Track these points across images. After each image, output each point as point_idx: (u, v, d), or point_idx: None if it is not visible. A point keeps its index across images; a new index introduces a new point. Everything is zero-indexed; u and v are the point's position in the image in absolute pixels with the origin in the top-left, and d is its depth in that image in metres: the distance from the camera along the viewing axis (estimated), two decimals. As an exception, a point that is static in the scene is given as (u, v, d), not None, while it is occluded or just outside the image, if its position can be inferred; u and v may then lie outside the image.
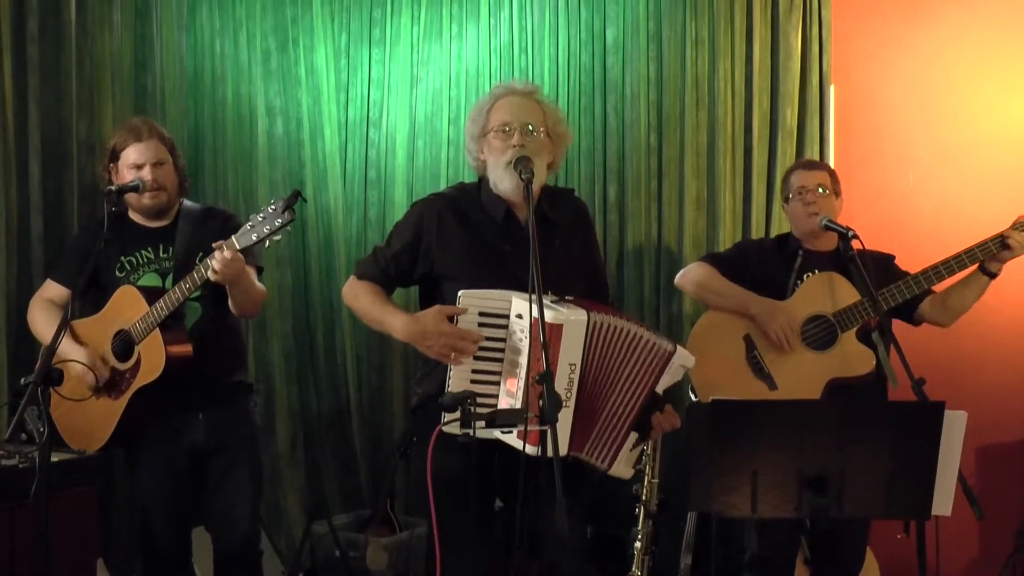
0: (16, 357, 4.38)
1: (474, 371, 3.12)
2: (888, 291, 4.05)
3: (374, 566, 5.26)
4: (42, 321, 4.00)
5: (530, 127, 3.31)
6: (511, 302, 3.08)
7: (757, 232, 5.29)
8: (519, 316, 3.05)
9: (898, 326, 4.06)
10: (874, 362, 4.06)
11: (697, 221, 5.44)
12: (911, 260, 4.29)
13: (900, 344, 3.70)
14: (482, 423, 2.79)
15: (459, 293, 3.15)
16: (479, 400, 2.98)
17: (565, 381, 3.01)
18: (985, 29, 5.14)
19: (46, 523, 3.20)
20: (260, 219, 3.55)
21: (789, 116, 5.30)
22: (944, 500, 3.21)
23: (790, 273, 4.25)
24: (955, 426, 3.17)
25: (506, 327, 3.09)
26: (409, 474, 5.78)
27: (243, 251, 3.63)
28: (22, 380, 3.27)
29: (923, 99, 5.25)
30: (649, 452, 4.32)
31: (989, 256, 4.02)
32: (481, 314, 3.12)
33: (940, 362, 4.73)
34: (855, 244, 3.97)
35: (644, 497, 4.28)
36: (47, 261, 4.50)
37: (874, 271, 4.01)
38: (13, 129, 4.45)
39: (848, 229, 3.96)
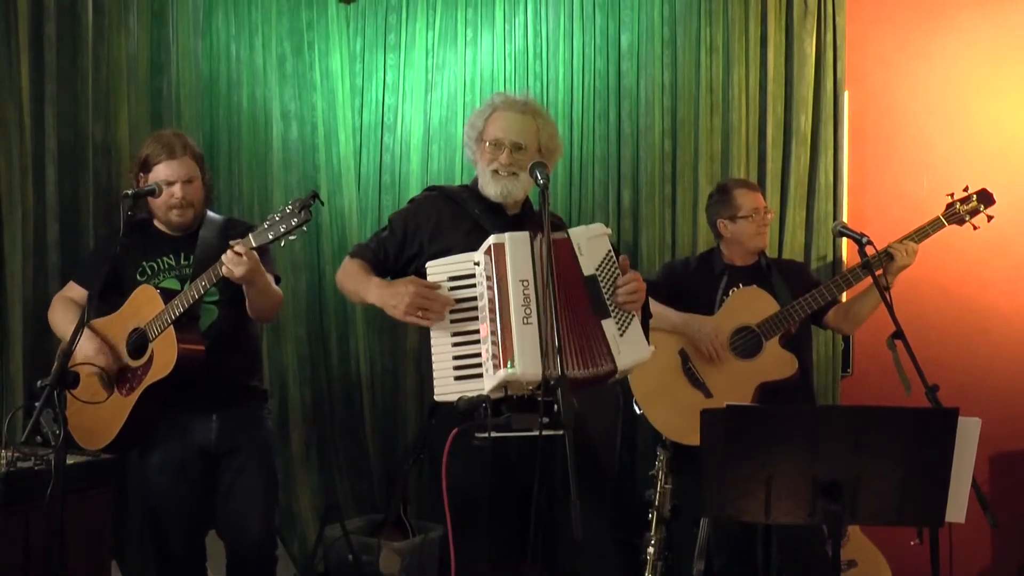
0: (33, 360, 4.40)
1: (454, 334, 3.19)
2: (800, 303, 4.40)
3: (387, 570, 5.26)
4: (62, 319, 4.03)
5: (519, 145, 3.53)
6: (472, 259, 3.20)
7: (771, 238, 5.28)
8: (477, 263, 3.18)
9: (913, 333, 4.05)
10: (797, 365, 4.39)
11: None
12: (924, 265, 4.30)
13: (914, 351, 3.70)
14: (501, 423, 2.82)
15: (426, 265, 3.29)
16: (465, 361, 3.12)
17: (521, 298, 3.08)
18: (999, 35, 5.13)
19: (61, 525, 3.22)
20: (277, 219, 3.61)
21: (803, 122, 5.31)
22: (958, 507, 3.21)
23: (716, 289, 4.59)
24: (969, 433, 3.17)
25: (475, 285, 3.19)
26: (423, 478, 5.79)
27: (259, 249, 3.68)
28: (38, 383, 3.28)
29: (937, 105, 5.25)
30: (662, 459, 4.33)
31: (879, 267, 4.26)
32: (451, 279, 3.23)
33: (954, 369, 4.73)
34: (868, 250, 4.02)
35: (657, 503, 4.29)
36: (63, 265, 4.51)
37: (789, 279, 4.55)
38: (30, 132, 4.46)
39: (862, 235, 4.00)
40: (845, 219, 5.23)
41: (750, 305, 4.47)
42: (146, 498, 4.10)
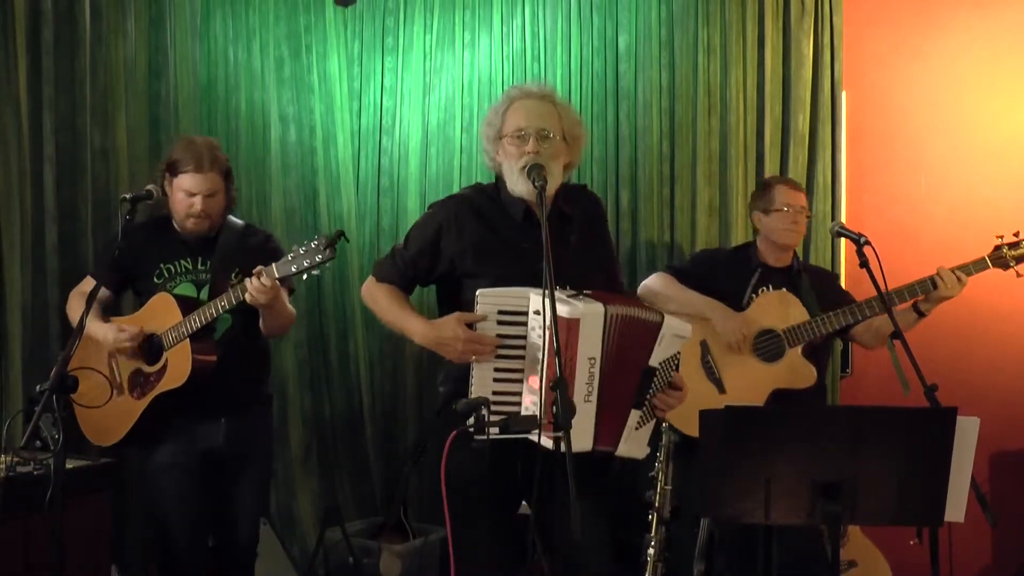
0: (32, 364, 4.41)
1: (496, 370, 3.10)
2: (831, 317, 4.33)
3: (387, 573, 5.27)
4: (79, 312, 4.03)
5: (545, 132, 3.30)
6: (529, 299, 3.06)
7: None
8: (537, 312, 3.02)
9: (912, 333, 4.06)
10: (815, 378, 4.35)
11: (709, 228, 5.45)
12: (923, 267, 4.28)
13: (913, 351, 3.70)
14: (496, 429, 2.80)
15: (477, 292, 3.13)
16: (503, 399, 3.03)
17: (586, 376, 3.01)
18: (996, 35, 5.13)
19: (60, 529, 3.22)
20: (301, 252, 3.66)
21: (801, 122, 5.31)
22: (957, 507, 3.20)
23: (746, 286, 4.52)
24: (967, 432, 3.17)
25: (525, 324, 3.07)
26: (423, 481, 5.79)
27: (280, 279, 3.73)
28: (37, 387, 3.28)
29: (935, 105, 5.25)
30: (662, 459, 4.33)
31: (926, 291, 4.22)
32: (500, 312, 3.10)
33: (953, 368, 4.73)
34: (867, 251, 4.00)
35: (657, 504, 4.29)
36: (62, 269, 4.53)
37: (820, 286, 4.49)
38: (28, 138, 4.47)
39: (860, 235, 3.97)
40: (843, 219, 5.23)
41: (779, 309, 4.41)
42: (151, 500, 4.11)
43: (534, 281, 3.07)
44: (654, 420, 3.24)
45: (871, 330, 4.47)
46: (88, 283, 4.16)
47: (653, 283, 4.64)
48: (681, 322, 3.23)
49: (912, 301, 4.27)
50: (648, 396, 3.17)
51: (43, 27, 4.52)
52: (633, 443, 3.18)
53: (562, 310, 2.97)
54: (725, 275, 4.60)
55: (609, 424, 3.10)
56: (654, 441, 4.40)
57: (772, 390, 4.37)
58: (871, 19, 5.37)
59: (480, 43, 6.01)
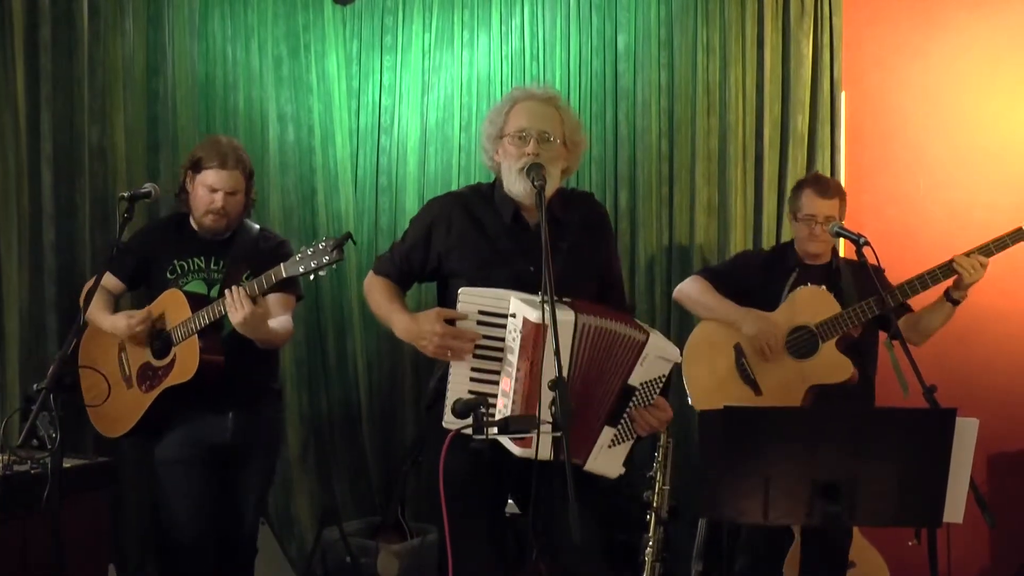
0: (29, 363, 4.40)
1: (473, 369, 3.10)
2: (859, 308, 4.26)
3: (385, 573, 5.26)
4: (93, 306, 4.07)
5: (547, 135, 3.29)
6: (509, 301, 3.06)
7: (768, 238, 5.30)
8: (513, 316, 3.04)
9: (911, 332, 4.05)
10: (851, 370, 4.27)
11: (708, 227, 5.45)
12: (921, 267, 4.28)
13: (912, 351, 3.69)
14: (494, 429, 2.79)
15: (460, 290, 3.14)
16: (479, 396, 2.98)
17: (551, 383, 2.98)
18: (995, 36, 5.13)
19: (58, 529, 3.21)
20: (309, 253, 3.70)
21: (800, 123, 5.31)
22: (955, 507, 3.20)
23: (783, 285, 4.47)
24: (967, 433, 3.16)
25: (505, 326, 3.07)
26: (420, 480, 5.78)
27: (288, 280, 3.80)
28: (35, 386, 3.28)
29: (934, 106, 5.25)
30: (660, 459, 4.33)
31: (947, 277, 4.20)
32: (480, 312, 3.10)
33: (952, 369, 4.73)
34: (866, 251, 3.98)
35: (655, 504, 4.28)
36: (59, 268, 4.52)
37: (860, 281, 4.32)
38: (26, 136, 4.47)
39: (859, 236, 3.96)
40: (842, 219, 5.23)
41: (811, 305, 4.37)
42: (157, 494, 4.12)
43: (516, 283, 3.13)
44: (632, 440, 3.20)
45: (913, 324, 4.41)
46: (104, 277, 4.16)
47: (688, 288, 4.63)
48: (669, 345, 3.19)
49: (943, 290, 4.24)
50: (626, 415, 3.14)
51: (41, 26, 4.51)
52: (605, 460, 3.15)
53: (532, 314, 2.97)
54: (761, 276, 4.57)
55: (575, 436, 3.01)
56: (652, 442, 4.43)
57: (809, 386, 4.32)
58: (870, 20, 5.37)
59: (479, 42, 6.00)
